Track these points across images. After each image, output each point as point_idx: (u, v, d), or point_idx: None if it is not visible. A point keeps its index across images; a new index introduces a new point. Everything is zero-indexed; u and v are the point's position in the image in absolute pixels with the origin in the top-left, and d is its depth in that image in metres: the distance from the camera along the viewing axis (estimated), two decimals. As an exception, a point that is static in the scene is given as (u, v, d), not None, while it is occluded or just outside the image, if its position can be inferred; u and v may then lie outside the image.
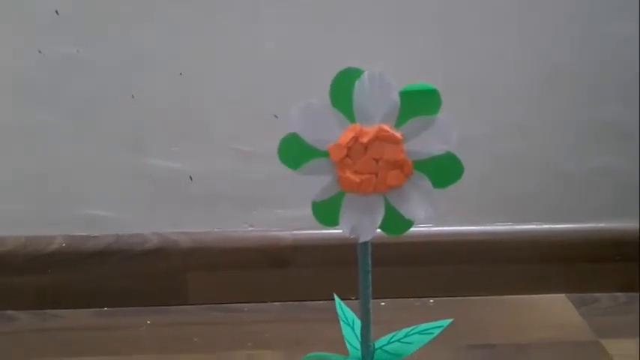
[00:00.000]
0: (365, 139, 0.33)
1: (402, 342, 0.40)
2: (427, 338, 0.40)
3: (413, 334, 0.40)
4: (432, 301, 0.62)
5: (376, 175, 0.34)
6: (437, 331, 0.40)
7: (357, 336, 0.41)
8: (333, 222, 0.36)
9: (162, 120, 0.57)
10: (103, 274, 0.61)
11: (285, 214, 0.61)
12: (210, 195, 0.60)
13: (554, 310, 0.61)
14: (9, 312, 0.61)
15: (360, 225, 0.35)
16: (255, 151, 0.59)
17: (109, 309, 0.62)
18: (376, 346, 0.40)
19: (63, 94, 0.56)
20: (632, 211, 0.61)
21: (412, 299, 0.62)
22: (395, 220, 0.35)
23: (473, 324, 0.59)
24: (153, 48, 0.55)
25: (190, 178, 0.59)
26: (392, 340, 0.41)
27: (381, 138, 0.33)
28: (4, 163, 0.58)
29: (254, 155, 0.59)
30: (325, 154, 0.34)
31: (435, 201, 0.35)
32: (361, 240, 0.36)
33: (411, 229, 0.67)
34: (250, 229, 0.62)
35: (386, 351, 0.40)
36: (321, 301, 0.61)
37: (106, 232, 0.60)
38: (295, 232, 0.61)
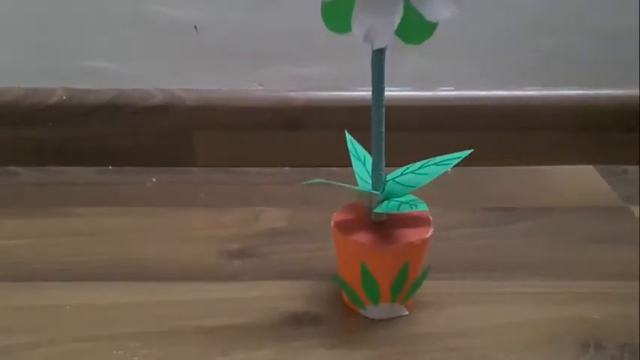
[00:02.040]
0: None
1: (417, 173, 0.37)
2: (443, 169, 0.37)
3: (429, 165, 0.37)
4: (449, 170, 0.59)
5: (396, -38, 0.30)
6: (454, 162, 0.37)
7: (367, 171, 0.38)
8: (344, 27, 0.32)
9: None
10: (106, 131, 0.58)
11: (299, 73, 0.57)
12: (217, 48, 0.56)
13: (580, 179, 0.57)
14: (10, 168, 0.59)
15: (375, 28, 0.31)
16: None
17: (113, 167, 0.59)
18: (388, 178, 0.37)
19: None
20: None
21: (429, 167, 0.58)
22: (414, 23, 0.31)
23: (494, 190, 0.56)
24: None
25: (195, 28, 0.55)
26: (405, 172, 0.38)
27: None
28: (-1, 8, 0.55)
29: (266, 3, 0.54)
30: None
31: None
32: (376, 46, 0.32)
33: (432, 92, 0.63)
34: (260, 87, 0.58)
35: (398, 182, 0.37)
36: (335, 168, 0.57)
37: (107, 85, 0.57)
38: (309, 92, 0.58)
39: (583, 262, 0.45)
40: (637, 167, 0.59)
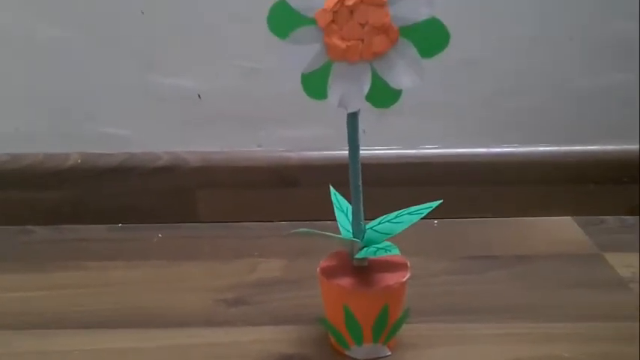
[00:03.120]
0: (350, 2, 0.34)
1: (392, 222, 0.41)
2: (416, 218, 0.41)
3: (403, 214, 0.41)
4: (436, 222, 0.63)
5: (362, 41, 0.35)
6: (426, 211, 0.41)
7: (349, 220, 0.42)
8: (322, 94, 0.37)
9: (170, 37, 0.59)
10: (117, 191, 0.63)
11: (293, 134, 0.63)
12: (218, 114, 0.62)
13: (559, 229, 0.61)
14: (27, 227, 0.64)
15: (348, 95, 0.36)
16: (262, 68, 0.60)
17: (123, 225, 0.64)
18: (367, 227, 0.41)
19: (74, 10, 0.58)
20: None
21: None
22: (382, 90, 0.36)
23: (476, 240, 0.59)
24: (162, -37, 0.56)
25: (199, 96, 0.61)
26: (382, 221, 0.42)
27: (365, 1, 0.34)
28: (19, 80, 0.61)
29: (261, 73, 0.60)
30: (312, 21, 0.35)
31: (421, 69, 0.35)
32: (349, 110, 0.37)
33: (417, 150, 0.67)
34: (258, 148, 0.63)
35: (376, 231, 0.41)
36: (329, 221, 0.61)
37: (119, 149, 0.62)
38: (302, 152, 0.63)
39: (556, 306, 0.48)
40: (613, 217, 0.62)
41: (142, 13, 0.58)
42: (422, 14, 0.34)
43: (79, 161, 0.62)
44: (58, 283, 0.54)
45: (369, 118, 0.62)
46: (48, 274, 0.55)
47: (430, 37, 0.35)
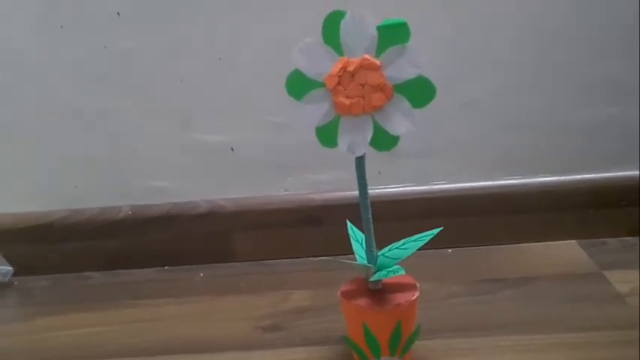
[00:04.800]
0: (351, 68, 0.42)
1: (400, 248, 0.48)
2: (420, 244, 0.47)
3: (409, 241, 0.48)
4: (450, 250, 0.69)
5: (363, 97, 0.42)
6: (428, 238, 0.48)
7: (364, 248, 0.49)
8: (333, 143, 0.45)
9: (206, 99, 0.67)
10: (163, 237, 0.71)
11: (316, 179, 0.70)
12: (250, 163, 0.70)
13: (562, 252, 0.66)
14: (85, 273, 0.72)
15: (354, 142, 0.44)
16: (287, 122, 0.68)
17: (169, 267, 0.72)
18: (379, 254, 0.48)
19: (124, 82, 0.67)
20: (635, 159, 0.67)
21: (431, 250, 0.68)
22: (382, 137, 0.43)
23: (485, 265, 0.65)
24: (196, 37, 0.65)
25: (232, 149, 0.69)
26: (392, 248, 0.48)
27: (364, 66, 0.42)
28: (77, 145, 0.70)
29: (287, 126, 0.68)
30: (322, 85, 0.43)
31: (414, 118, 0.43)
32: (356, 155, 0.44)
33: (427, 186, 0.74)
34: (285, 192, 0.71)
35: (386, 256, 0.48)
36: (351, 254, 0.68)
37: (164, 200, 0.71)
38: (325, 193, 0.70)
39: (558, 319, 0.54)
40: (615, 239, 0.67)
41: (182, 81, 0.67)
42: (411, 74, 0.42)
43: (130, 212, 0.71)
44: (115, 320, 0.61)
45: (384, 160, 0.69)
46: (106, 313, 0.63)
47: (419, 92, 0.42)
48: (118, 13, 0.65)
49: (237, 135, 0.69)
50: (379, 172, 0.70)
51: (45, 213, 0.71)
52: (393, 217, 0.66)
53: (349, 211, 0.69)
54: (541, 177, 0.69)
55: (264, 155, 0.70)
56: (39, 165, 0.71)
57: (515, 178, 0.69)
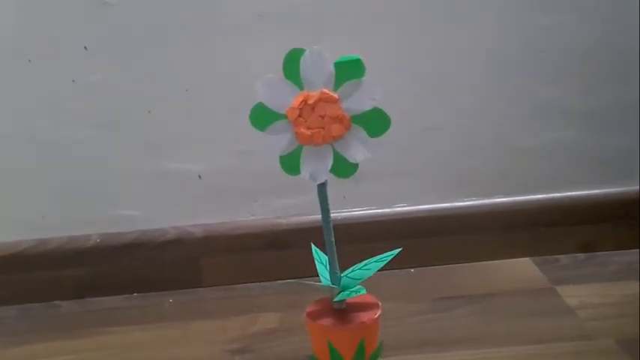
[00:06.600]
0: (311, 101, 0.44)
1: (362, 269, 0.50)
2: (381, 264, 0.50)
3: (370, 262, 0.50)
4: (412, 270, 0.72)
5: (323, 128, 0.45)
6: (388, 259, 0.50)
7: (327, 270, 0.51)
8: (296, 171, 0.47)
9: (173, 129, 0.69)
10: (131, 264, 0.72)
11: (283, 203, 0.72)
12: (216, 190, 0.72)
13: (518, 269, 0.69)
14: (54, 302, 0.72)
15: (316, 170, 0.46)
16: (253, 150, 0.70)
17: (138, 294, 0.73)
18: (342, 275, 0.50)
19: (92, 114, 0.69)
20: (583, 179, 0.71)
21: (396, 270, 0.71)
22: (342, 165, 0.46)
23: (446, 283, 0.68)
24: (163, 70, 0.67)
25: (199, 176, 0.71)
26: (354, 269, 0.51)
27: (323, 99, 0.45)
28: (45, 175, 0.71)
29: (252, 154, 0.70)
30: (284, 116, 0.46)
31: (371, 147, 0.45)
32: (318, 182, 0.47)
33: (390, 209, 0.77)
34: (252, 217, 0.73)
35: (349, 277, 0.50)
36: (317, 277, 0.70)
37: (132, 228, 0.72)
38: (291, 217, 0.72)
39: (514, 333, 0.57)
40: (567, 256, 0.71)
41: (149, 112, 0.68)
42: (367, 106, 0.44)
43: (99, 240, 0.72)
44: (85, 347, 0.62)
45: (348, 185, 0.72)
46: (76, 341, 0.63)
47: (375, 122, 0.45)
48: (85, 47, 0.66)
49: (204, 163, 0.71)
50: (344, 196, 0.73)
51: (14, 242, 0.72)
52: (358, 239, 0.69)
53: (316, 234, 0.71)
54: (496, 198, 0.72)
55: (231, 182, 0.72)
56: (6, 196, 0.72)
57: (471, 200, 0.72)
